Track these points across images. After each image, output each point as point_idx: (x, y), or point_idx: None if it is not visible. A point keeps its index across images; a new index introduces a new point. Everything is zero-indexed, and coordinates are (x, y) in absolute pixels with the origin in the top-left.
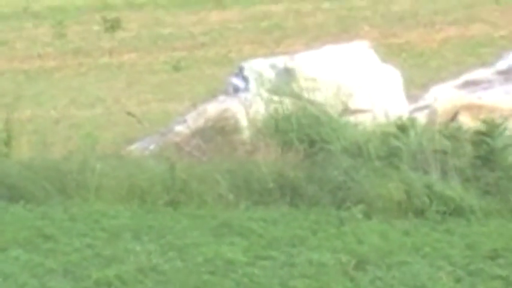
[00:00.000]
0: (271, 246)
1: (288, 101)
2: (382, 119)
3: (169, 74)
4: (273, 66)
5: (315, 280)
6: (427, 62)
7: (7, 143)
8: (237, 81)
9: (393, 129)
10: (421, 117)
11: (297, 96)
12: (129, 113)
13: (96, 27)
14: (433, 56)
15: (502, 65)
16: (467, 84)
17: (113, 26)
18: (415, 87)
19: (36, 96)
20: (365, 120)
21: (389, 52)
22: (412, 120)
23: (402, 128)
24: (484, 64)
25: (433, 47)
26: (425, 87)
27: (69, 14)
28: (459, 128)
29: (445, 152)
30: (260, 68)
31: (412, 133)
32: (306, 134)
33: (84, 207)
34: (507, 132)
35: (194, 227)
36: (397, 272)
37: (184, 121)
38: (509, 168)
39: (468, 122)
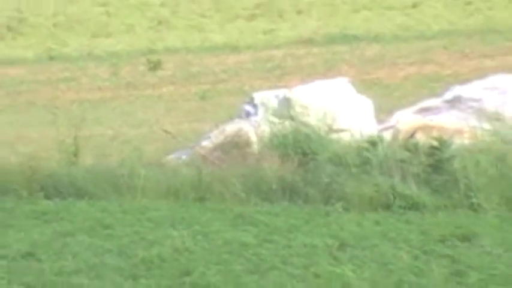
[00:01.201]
0: (274, 233)
1: (286, 123)
2: (357, 136)
3: (198, 102)
4: (275, 96)
5: (307, 258)
6: (392, 93)
7: (75, 154)
8: (249, 108)
9: (366, 144)
10: (387, 135)
11: (293, 119)
12: (166, 132)
13: (142, 67)
14: (396, 89)
15: (448, 95)
16: (422, 110)
17: (155, 66)
18: (382, 112)
19: (97, 119)
20: (344, 137)
21: (363, 86)
22: (380, 137)
23: (372, 143)
24: (435, 95)
25: (397, 82)
26: (390, 112)
27: (122, 57)
28: (416, 143)
29: (405, 161)
30: (266, 97)
31: (380, 147)
32: (300, 147)
33: (133, 203)
34: (452, 146)
35: (216, 218)
36: (370, 252)
37: (209, 138)
38: (454, 173)
39: (423, 138)
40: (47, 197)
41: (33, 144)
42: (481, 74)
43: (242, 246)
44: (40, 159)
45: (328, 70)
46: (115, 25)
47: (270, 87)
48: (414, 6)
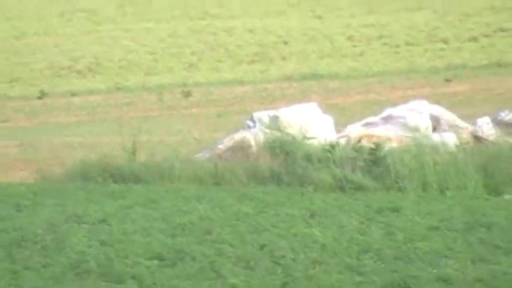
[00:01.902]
0: (266, 206)
1: (275, 133)
2: (322, 142)
3: (215, 119)
4: (268, 115)
5: (289, 223)
6: (346, 113)
7: (133, 153)
8: (250, 123)
9: (327, 147)
10: (342, 141)
11: (279, 130)
12: (195, 139)
13: (178, 95)
14: (349, 110)
15: (383, 115)
16: (366, 124)
17: (187, 94)
18: (339, 126)
19: (148, 130)
20: (314, 142)
21: (326, 108)
22: (338, 143)
23: (332, 146)
24: (374, 114)
25: (349, 106)
26: (344, 126)
27: (165, 89)
28: (361, 146)
29: (353, 158)
30: (261, 116)
31: (337, 149)
32: (283, 149)
33: (172, 186)
34: (385, 148)
35: (227, 196)
36: (331, 219)
37: (222, 142)
38: (386, 166)
39: (366, 143)
40: (115, 181)
41: (105, 147)
42: (405, 100)
43: (245, 215)
44: (110, 156)
45: (303, 98)
46: (160, 67)
47: (264, 109)
48: (361, 54)
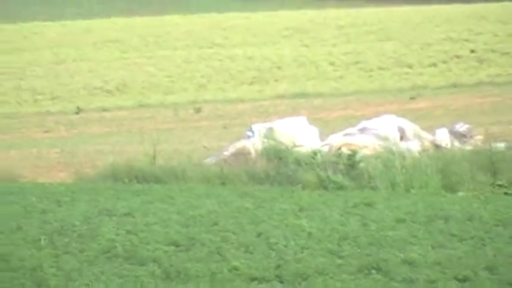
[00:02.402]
0: (263, 202)
1: (270, 142)
2: (309, 149)
3: (221, 131)
4: (264, 127)
5: (282, 216)
6: (328, 125)
7: (154, 158)
8: (250, 133)
9: (313, 154)
10: (326, 149)
11: (273, 140)
12: (204, 147)
13: (191, 111)
14: (331, 122)
15: (359, 126)
16: (345, 135)
17: (198, 110)
18: (323, 136)
19: (165, 139)
20: (302, 150)
21: (312, 121)
22: (320, 150)
23: (315, 153)
24: (352, 126)
25: (331, 119)
26: (327, 136)
27: (179, 105)
28: (341, 153)
29: (335, 162)
30: (259, 128)
31: (319, 155)
32: (277, 155)
33: (186, 185)
34: (361, 154)
35: (231, 194)
36: (316, 212)
37: (227, 150)
38: (361, 169)
39: (345, 150)
40: (138, 182)
41: (131, 153)
42: (377, 114)
43: (245, 209)
44: (135, 161)
45: (293, 112)
46: (176, 88)
47: (261, 122)
48: (341, 77)
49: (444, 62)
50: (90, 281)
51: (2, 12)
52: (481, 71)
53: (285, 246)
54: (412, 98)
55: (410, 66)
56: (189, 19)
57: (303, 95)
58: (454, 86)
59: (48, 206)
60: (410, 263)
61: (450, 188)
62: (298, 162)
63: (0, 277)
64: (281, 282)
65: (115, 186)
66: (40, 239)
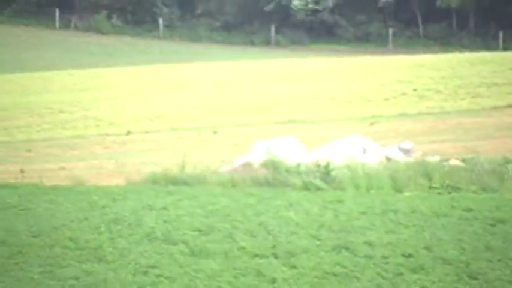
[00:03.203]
0: (263, 200)
1: (267, 155)
2: (294, 161)
3: (232, 147)
4: (263, 145)
5: (276, 209)
6: (312, 144)
7: (183, 167)
8: (252, 149)
9: (298, 165)
10: (309, 160)
11: (270, 154)
12: (222, 160)
13: (208, 133)
14: (314, 142)
15: (333, 144)
16: (323, 150)
17: (215, 132)
18: (308, 151)
19: (191, 154)
20: (291, 161)
21: (301, 141)
22: (304, 162)
23: (299, 164)
24: (328, 144)
25: (314, 139)
26: (311, 151)
27: (202, 130)
28: (319, 164)
29: (315, 171)
30: (259, 145)
31: (303, 165)
32: (272, 165)
33: (206, 188)
34: (333, 164)
35: (239, 194)
36: (301, 207)
37: (237, 162)
38: (333, 175)
39: (322, 161)
40: (172, 184)
41: (166, 164)
42: (346, 135)
43: (250, 205)
44: (169, 169)
45: (285, 134)
46: (199, 116)
47: (261, 141)
48: (320, 109)
49: (394, 97)
50: (137, 257)
51: (72, 61)
52: (421, 104)
53: (279, 231)
54: (371, 124)
55: (369, 101)
56: (207, 66)
57: (292, 121)
58: (402, 115)
59: (106, 203)
60: (369, 243)
61: (398, 189)
62: (288, 170)
63: (71, 255)
64: (276, 258)
65: (154, 188)
66: (100, 226)
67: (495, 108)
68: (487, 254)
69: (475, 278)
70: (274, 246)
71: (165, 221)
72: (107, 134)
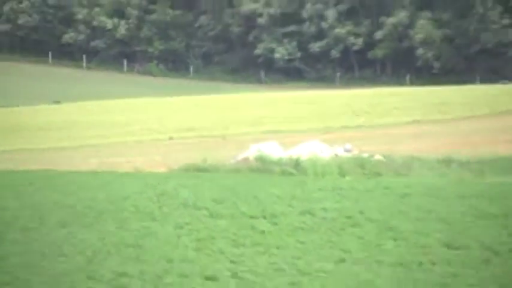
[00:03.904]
0: (255, 181)
1: (259, 153)
2: (278, 156)
3: (237, 149)
4: (257, 146)
5: (264, 187)
6: (286, 146)
7: (205, 161)
8: (251, 147)
9: (279, 158)
10: (286, 156)
11: (260, 152)
12: (233, 157)
13: (220, 139)
14: (289, 145)
15: (301, 146)
16: (294, 150)
17: (224, 138)
18: (286, 151)
19: (211, 152)
20: (275, 156)
21: (280, 144)
22: (283, 157)
23: (280, 158)
24: (298, 146)
25: (288, 143)
26: (287, 150)
27: (216, 136)
28: (292, 157)
29: (290, 162)
30: (254, 147)
31: (282, 159)
32: (262, 159)
33: (218, 175)
34: (301, 158)
35: (241, 177)
36: (280, 186)
37: (239, 157)
38: (301, 165)
39: (294, 156)
40: (198, 172)
41: (195, 159)
42: (309, 141)
43: (247, 184)
44: (196, 162)
45: (270, 140)
46: (213, 128)
47: (255, 144)
48: (297, 121)
49: (340, 115)
50: (176, 218)
51: (134, 93)
52: (357, 120)
53: (266, 201)
54: (325, 133)
55: (324, 117)
56: (219, 97)
57: (274, 132)
58: (344, 127)
59: (156, 182)
60: (324, 209)
61: (342, 174)
62: (272, 162)
63: (134, 216)
64: (264, 218)
65: (187, 173)
66: (152, 198)
67: (402, 123)
68: (398, 215)
69: (391, 230)
70: (263, 211)
71: (194, 194)
72: (158, 139)
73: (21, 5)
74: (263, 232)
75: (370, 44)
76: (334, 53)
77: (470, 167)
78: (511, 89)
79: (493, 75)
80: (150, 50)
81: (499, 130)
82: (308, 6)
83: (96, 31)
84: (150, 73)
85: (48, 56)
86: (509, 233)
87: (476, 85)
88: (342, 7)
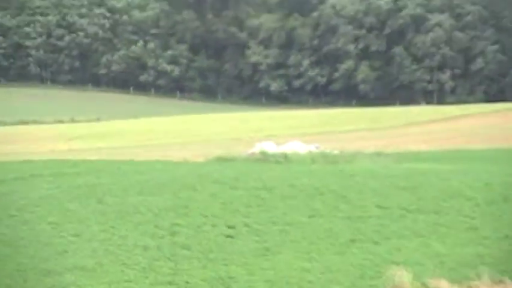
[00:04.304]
0: (258, 167)
1: (262, 149)
2: (273, 151)
3: (248, 146)
4: (260, 144)
5: (264, 171)
6: (279, 144)
7: (228, 153)
8: (256, 146)
9: (273, 152)
10: (279, 151)
11: (263, 149)
12: (243, 151)
13: (235, 140)
14: (280, 144)
15: (287, 144)
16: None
17: (238, 139)
18: (279, 147)
19: (231, 149)
20: (270, 151)
21: (276, 144)
22: (276, 152)
23: (274, 153)
24: (284, 145)
25: (280, 143)
26: (279, 147)
27: (235, 139)
28: (282, 153)
29: (280, 156)
30: (258, 144)
31: (275, 153)
32: (263, 153)
33: (236, 163)
34: (287, 153)
35: (250, 165)
36: (274, 171)
37: (249, 152)
38: (288, 157)
39: (283, 152)
40: (223, 162)
41: (221, 153)
42: (292, 141)
43: (253, 169)
44: (223, 154)
45: (269, 140)
46: (232, 137)
47: (259, 143)
48: (281, 129)
49: (312, 126)
50: (210, 191)
51: (156, 113)
52: (324, 128)
53: (265, 179)
54: (303, 136)
55: (298, 128)
56: (231, 115)
57: (271, 135)
58: (316, 133)
59: (195, 169)
60: (303, 184)
61: (313, 162)
62: (269, 155)
63: (180, 189)
64: (264, 190)
65: (218, 163)
66: (194, 179)
67: (351, 130)
68: (348, 188)
69: (343, 197)
70: (263, 186)
71: (221, 175)
72: (192, 141)
73: (114, 57)
74: (264, 198)
75: (330, 81)
76: (308, 87)
77: (392, 158)
78: (416, 109)
79: (410, 102)
80: (193, 85)
81: (413, 134)
82: (292, 58)
83: (160, 73)
84: (193, 100)
85: (130, 90)
86: (417, 198)
87: (397, 107)
88: (312, 58)
